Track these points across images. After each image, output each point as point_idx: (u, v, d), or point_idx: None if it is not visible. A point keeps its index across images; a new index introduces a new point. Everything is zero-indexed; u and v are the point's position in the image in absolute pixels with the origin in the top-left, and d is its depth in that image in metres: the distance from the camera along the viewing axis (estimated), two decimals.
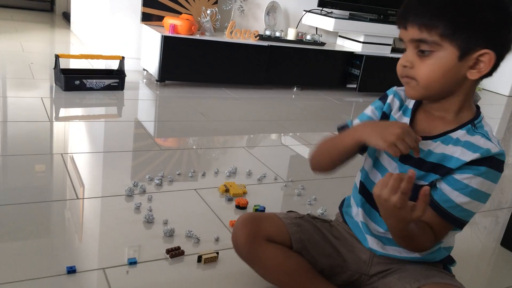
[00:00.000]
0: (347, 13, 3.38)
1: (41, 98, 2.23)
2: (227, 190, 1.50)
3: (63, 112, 2.19)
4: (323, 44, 3.22)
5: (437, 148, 0.86)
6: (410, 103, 0.94)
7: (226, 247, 1.19)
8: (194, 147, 1.96)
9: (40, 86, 2.46)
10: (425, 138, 0.88)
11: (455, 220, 0.85)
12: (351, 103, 3.17)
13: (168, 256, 1.12)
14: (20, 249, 1.09)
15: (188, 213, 1.35)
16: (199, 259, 1.12)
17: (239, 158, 1.86)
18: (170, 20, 2.73)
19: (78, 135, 1.92)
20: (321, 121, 2.68)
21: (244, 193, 1.51)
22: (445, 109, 0.87)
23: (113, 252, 1.12)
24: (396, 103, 0.94)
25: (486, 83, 4.28)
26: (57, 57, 2.37)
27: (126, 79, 2.56)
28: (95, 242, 1.17)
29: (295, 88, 3.18)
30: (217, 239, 1.22)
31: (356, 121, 0.98)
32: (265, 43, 2.93)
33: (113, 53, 2.87)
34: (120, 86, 2.53)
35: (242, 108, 2.63)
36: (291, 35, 3.16)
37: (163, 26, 2.83)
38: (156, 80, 2.76)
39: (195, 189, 1.51)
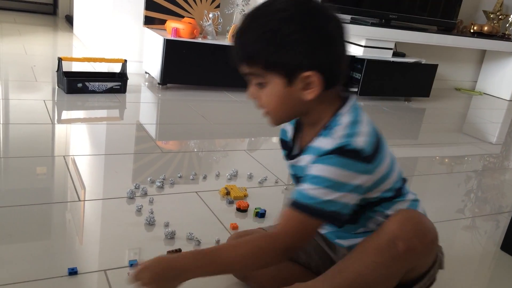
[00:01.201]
0: (348, 17, 3.39)
1: (44, 100, 2.24)
2: (228, 193, 1.51)
3: (65, 114, 2.20)
4: None
5: (302, 161, 0.89)
6: None
7: None
8: (196, 150, 1.97)
9: (43, 88, 2.47)
10: None
11: (301, 205, 0.81)
12: None
13: None
14: (21, 251, 1.10)
15: (189, 215, 1.36)
16: None
17: (240, 161, 1.86)
18: (172, 24, 2.75)
19: (80, 138, 1.93)
20: None
21: (245, 196, 1.52)
22: (313, 122, 0.88)
23: (114, 254, 1.12)
24: (290, 127, 0.97)
25: (487, 87, 4.28)
26: (59, 60, 2.38)
27: (128, 82, 2.57)
28: (97, 244, 1.17)
29: None
30: (217, 242, 1.23)
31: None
32: None
33: (116, 56, 2.88)
34: (122, 89, 2.54)
35: (243, 111, 2.64)
36: None
37: (166, 30, 2.84)
38: (158, 83, 2.77)
39: (196, 192, 1.51)
